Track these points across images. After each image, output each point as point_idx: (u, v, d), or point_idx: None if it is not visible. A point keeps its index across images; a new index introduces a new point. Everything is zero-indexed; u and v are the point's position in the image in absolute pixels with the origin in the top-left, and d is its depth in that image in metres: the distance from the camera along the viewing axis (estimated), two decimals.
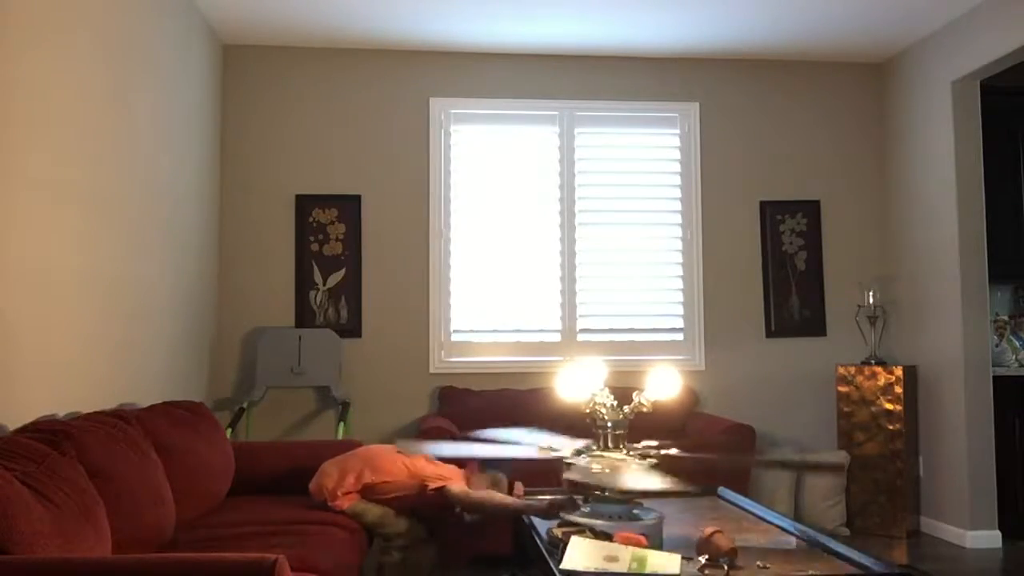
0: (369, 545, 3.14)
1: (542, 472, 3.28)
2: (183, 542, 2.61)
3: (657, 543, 2.41)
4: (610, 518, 2.49)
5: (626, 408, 2.65)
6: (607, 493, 2.55)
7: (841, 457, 4.83)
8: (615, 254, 5.13)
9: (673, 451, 2.68)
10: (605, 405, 2.63)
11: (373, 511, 3.13)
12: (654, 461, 2.57)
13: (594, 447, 2.65)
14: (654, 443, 2.68)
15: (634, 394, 2.69)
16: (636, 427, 3.01)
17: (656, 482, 2.50)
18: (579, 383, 2.70)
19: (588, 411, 2.65)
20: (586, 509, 2.60)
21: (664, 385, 2.75)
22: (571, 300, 5.07)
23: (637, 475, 2.52)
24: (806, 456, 4.86)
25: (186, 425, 3.13)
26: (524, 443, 2.87)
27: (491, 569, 3.82)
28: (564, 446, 2.72)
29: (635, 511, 2.57)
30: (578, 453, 2.65)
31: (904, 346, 5.05)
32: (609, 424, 2.62)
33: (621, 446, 2.61)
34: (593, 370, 2.72)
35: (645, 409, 2.68)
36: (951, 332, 4.62)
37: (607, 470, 2.54)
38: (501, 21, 4.65)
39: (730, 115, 5.25)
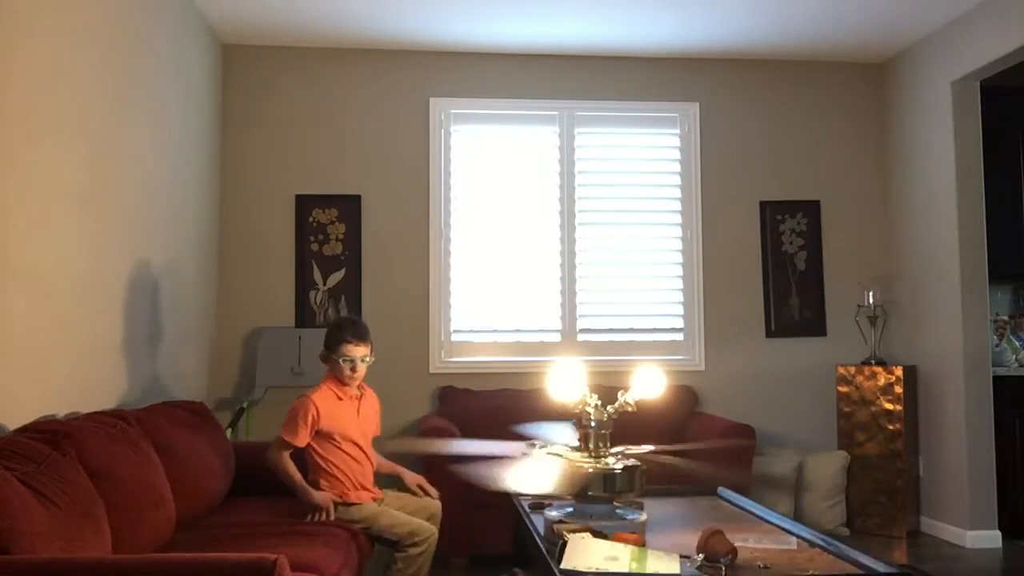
0: (371, 545, 3.14)
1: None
2: (183, 542, 2.61)
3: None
4: (590, 517, 2.49)
5: (610, 408, 2.64)
6: (592, 492, 2.54)
7: (842, 458, 4.84)
8: (615, 254, 5.13)
9: (647, 448, 2.67)
10: (589, 405, 2.63)
11: (384, 516, 3.14)
12: (635, 463, 2.56)
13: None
14: (620, 448, 2.67)
15: (619, 394, 2.69)
16: (635, 428, 3.01)
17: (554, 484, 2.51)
18: (565, 384, 2.69)
19: (577, 411, 2.65)
20: (569, 509, 2.59)
21: (649, 384, 2.74)
22: (571, 300, 5.07)
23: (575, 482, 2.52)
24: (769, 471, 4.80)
25: (186, 425, 3.14)
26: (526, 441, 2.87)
27: (491, 569, 3.82)
28: (553, 441, 2.72)
29: (618, 511, 2.57)
30: (551, 454, 2.64)
31: (904, 346, 5.05)
32: (593, 423, 2.62)
33: (603, 446, 2.61)
34: (577, 370, 2.71)
35: (630, 409, 2.67)
36: (951, 332, 4.62)
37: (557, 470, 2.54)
38: (501, 21, 4.65)
39: (730, 115, 5.25)
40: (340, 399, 3.29)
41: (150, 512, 2.49)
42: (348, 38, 4.88)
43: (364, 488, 3.26)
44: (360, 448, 3.30)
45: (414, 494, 3.40)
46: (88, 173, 3.06)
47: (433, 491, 3.45)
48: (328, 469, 3.21)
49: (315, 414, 3.18)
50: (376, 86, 5.04)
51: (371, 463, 3.36)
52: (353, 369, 3.27)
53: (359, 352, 3.28)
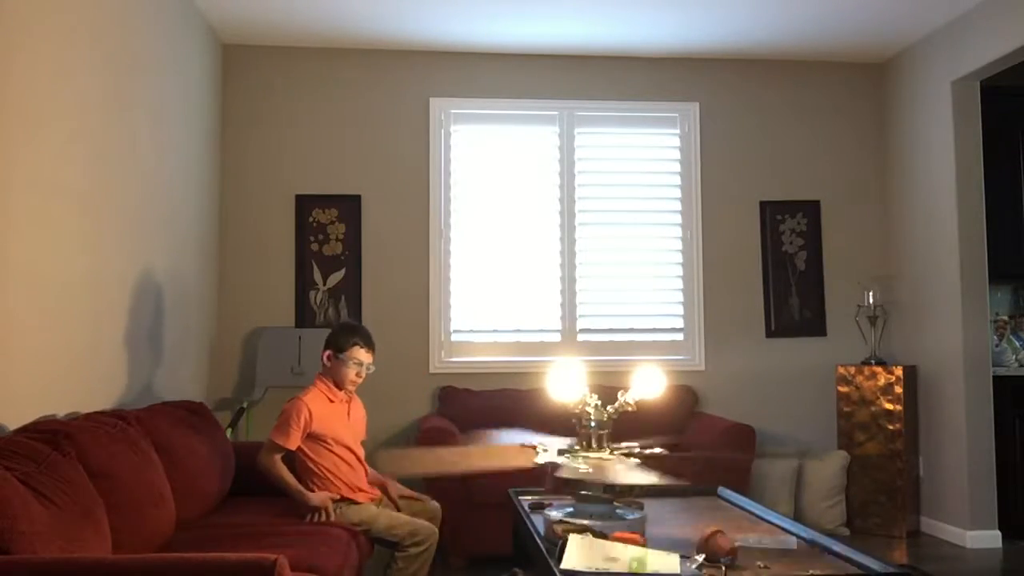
0: (371, 546, 3.14)
1: (533, 475, 3.25)
2: (183, 542, 2.61)
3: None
4: (591, 517, 2.49)
5: (610, 408, 2.64)
6: (592, 492, 2.53)
7: (842, 458, 4.84)
8: (615, 254, 5.13)
9: (657, 450, 2.67)
10: (589, 404, 2.63)
11: (384, 518, 3.13)
12: (637, 461, 2.56)
13: (577, 447, 2.64)
14: (635, 444, 2.67)
15: (619, 393, 2.69)
16: (635, 428, 3.00)
17: (645, 478, 2.49)
18: (566, 383, 2.69)
19: (576, 411, 2.65)
20: (570, 509, 2.59)
21: (649, 384, 2.74)
22: (571, 300, 5.07)
23: (628, 472, 2.51)
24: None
25: (186, 425, 3.13)
26: (513, 444, 2.86)
27: (491, 569, 3.82)
28: (550, 446, 2.71)
29: (618, 510, 2.56)
30: (561, 453, 2.64)
31: (904, 346, 5.05)
32: (593, 423, 2.61)
33: (604, 445, 2.61)
34: (577, 370, 2.71)
35: (630, 409, 2.67)
36: (951, 332, 4.62)
37: (593, 469, 2.53)
38: (501, 21, 4.65)
39: (730, 115, 5.24)
40: (331, 401, 3.28)
41: (150, 512, 2.49)
42: (348, 38, 4.88)
43: (360, 490, 3.26)
44: (351, 451, 3.29)
45: (396, 508, 3.31)
46: (88, 173, 3.06)
47: (423, 497, 3.43)
48: (319, 472, 3.19)
49: (307, 416, 3.16)
50: (376, 86, 5.04)
51: (363, 466, 3.34)
52: (359, 374, 3.28)
53: (368, 358, 3.29)
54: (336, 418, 3.27)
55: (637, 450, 2.63)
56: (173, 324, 3.98)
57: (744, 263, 5.19)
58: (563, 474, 2.54)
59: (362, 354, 3.28)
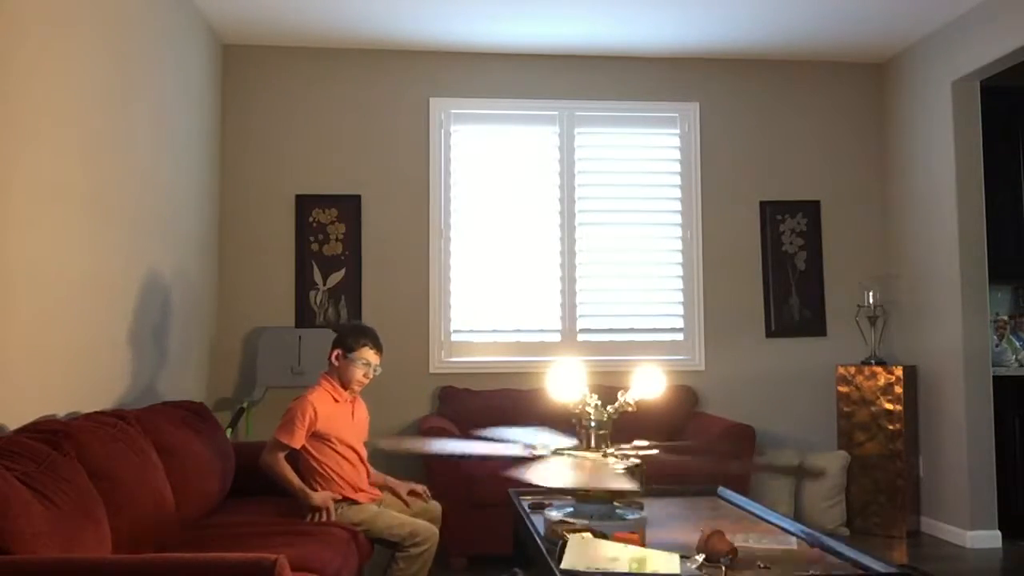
0: (371, 546, 3.14)
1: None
2: (183, 542, 2.61)
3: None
4: (591, 517, 2.49)
5: (610, 408, 2.64)
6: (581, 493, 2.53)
7: (842, 458, 4.84)
8: (615, 254, 5.12)
9: (654, 451, 2.66)
10: (589, 405, 2.62)
11: (384, 518, 3.13)
12: (636, 461, 2.56)
13: (574, 447, 2.64)
14: (631, 445, 2.66)
15: (619, 394, 2.69)
16: (635, 428, 3.00)
17: (617, 482, 2.48)
18: (566, 383, 2.69)
19: (576, 411, 2.64)
20: (570, 509, 2.59)
21: (649, 384, 2.74)
22: (571, 300, 5.07)
23: (602, 476, 2.50)
24: (798, 459, 4.85)
25: (186, 425, 3.14)
26: (519, 442, 2.85)
27: (491, 569, 3.82)
28: (563, 445, 2.71)
29: (618, 510, 2.56)
30: (556, 453, 2.64)
31: (904, 346, 5.05)
32: (593, 423, 2.61)
33: (604, 446, 2.60)
34: (577, 370, 2.71)
35: (630, 409, 2.67)
36: (951, 332, 4.62)
37: (575, 470, 2.53)
38: (501, 21, 4.65)
39: (730, 115, 5.24)
40: (336, 401, 3.29)
41: (150, 512, 2.49)
42: (348, 38, 4.88)
43: (361, 490, 3.26)
44: (354, 451, 3.29)
45: (406, 504, 3.32)
46: (88, 173, 3.06)
47: (425, 493, 3.44)
48: (323, 471, 3.19)
49: (312, 415, 3.17)
50: (376, 86, 5.04)
51: (365, 467, 3.34)
52: (366, 375, 3.29)
53: (376, 359, 3.31)
54: (341, 418, 3.28)
55: (633, 452, 2.62)
56: (173, 324, 3.98)
57: (744, 263, 5.19)
58: (532, 476, 2.53)
59: (371, 355, 3.30)
